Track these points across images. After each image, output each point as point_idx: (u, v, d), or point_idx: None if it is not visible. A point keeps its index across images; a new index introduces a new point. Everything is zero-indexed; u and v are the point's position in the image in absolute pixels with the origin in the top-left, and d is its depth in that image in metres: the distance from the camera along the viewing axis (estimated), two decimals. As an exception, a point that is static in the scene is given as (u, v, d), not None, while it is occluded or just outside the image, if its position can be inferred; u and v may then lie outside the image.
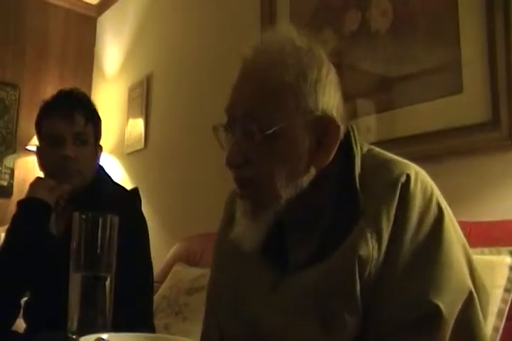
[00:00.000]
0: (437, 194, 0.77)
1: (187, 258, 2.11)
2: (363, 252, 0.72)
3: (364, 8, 1.83)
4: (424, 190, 0.76)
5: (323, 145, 0.78)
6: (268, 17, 2.24)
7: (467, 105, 1.49)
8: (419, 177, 0.76)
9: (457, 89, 1.52)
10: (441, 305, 0.69)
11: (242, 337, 0.82)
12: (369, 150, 0.84)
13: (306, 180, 0.78)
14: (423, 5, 1.65)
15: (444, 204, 0.77)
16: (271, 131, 0.74)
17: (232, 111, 0.81)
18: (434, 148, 1.54)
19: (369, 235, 0.73)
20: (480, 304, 0.73)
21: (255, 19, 2.31)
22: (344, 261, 0.73)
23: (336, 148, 0.78)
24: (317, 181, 0.78)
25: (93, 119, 1.36)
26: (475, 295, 0.72)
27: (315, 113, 0.76)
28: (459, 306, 0.71)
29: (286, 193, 0.77)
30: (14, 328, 1.30)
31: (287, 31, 0.82)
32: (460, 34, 1.52)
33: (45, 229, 1.27)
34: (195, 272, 1.91)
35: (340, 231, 0.75)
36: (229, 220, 0.91)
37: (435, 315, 0.69)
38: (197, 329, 1.63)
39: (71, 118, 1.30)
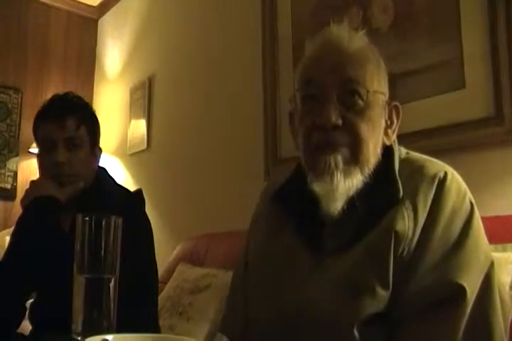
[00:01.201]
0: (470, 195, 0.83)
1: (191, 258, 2.11)
2: (399, 227, 0.77)
3: (365, 5, 1.83)
4: (459, 188, 0.82)
5: (390, 125, 0.88)
6: (269, 16, 2.24)
7: (470, 100, 1.49)
8: (455, 177, 0.83)
9: (460, 84, 1.51)
10: (466, 286, 0.73)
11: (278, 323, 0.84)
12: (408, 153, 0.90)
13: (379, 154, 0.85)
14: (424, 1, 1.64)
15: (475, 205, 0.82)
16: (375, 90, 0.82)
17: (323, 79, 0.83)
18: (437, 143, 1.53)
19: (406, 214, 0.78)
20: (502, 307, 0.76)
21: (256, 19, 2.31)
22: (381, 235, 0.78)
23: (397, 130, 0.88)
24: None
25: (86, 122, 1.35)
26: (494, 267, 0.77)
27: (386, 95, 0.87)
28: (480, 283, 0.75)
29: (373, 161, 0.83)
30: (20, 330, 1.30)
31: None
32: (462, 29, 1.52)
33: (60, 227, 1.27)
34: (199, 272, 1.91)
35: (378, 212, 0.80)
36: (270, 200, 0.95)
37: (460, 295, 0.73)
38: (201, 329, 1.64)
39: (61, 123, 1.30)
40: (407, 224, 0.77)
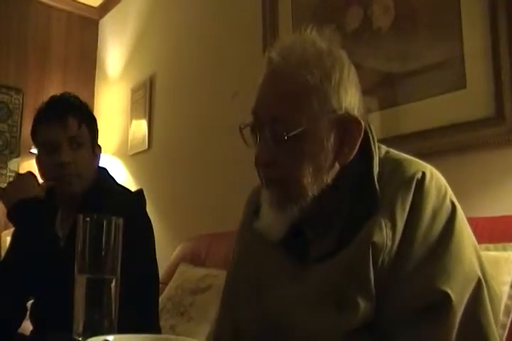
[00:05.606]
0: (451, 193, 0.80)
1: (192, 258, 2.11)
2: (376, 239, 0.75)
3: (366, 5, 1.82)
4: (439, 187, 0.79)
5: (347, 142, 0.81)
6: (270, 16, 2.24)
7: (471, 100, 1.48)
8: (434, 176, 0.80)
9: (461, 84, 1.51)
10: (451, 293, 0.71)
11: (262, 327, 0.84)
12: (387, 152, 0.87)
13: (330, 176, 0.82)
14: (425, 0, 1.64)
15: (457, 203, 0.79)
16: (296, 131, 0.77)
17: (259, 114, 0.82)
18: (438, 144, 1.53)
19: (383, 223, 0.76)
20: (490, 301, 0.74)
21: (256, 19, 2.31)
22: (359, 248, 0.76)
23: (358, 145, 0.82)
24: (337, 179, 0.82)
25: (86, 121, 1.35)
26: (484, 283, 0.74)
27: (338, 112, 0.79)
28: (468, 294, 0.72)
29: (312, 190, 0.80)
30: (20, 330, 1.30)
31: (307, 34, 0.84)
32: (462, 29, 1.52)
33: (48, 228, 1.27)
34: (200, 272, 1.91)
35: (358, 223, 0.78)
36: (252, 214, 0.94)
37: (445, 302, 0.71)
38: (202, 329, 1.64)
39: (63, 123, 1.30)
40: (385, 233, 0.75)
